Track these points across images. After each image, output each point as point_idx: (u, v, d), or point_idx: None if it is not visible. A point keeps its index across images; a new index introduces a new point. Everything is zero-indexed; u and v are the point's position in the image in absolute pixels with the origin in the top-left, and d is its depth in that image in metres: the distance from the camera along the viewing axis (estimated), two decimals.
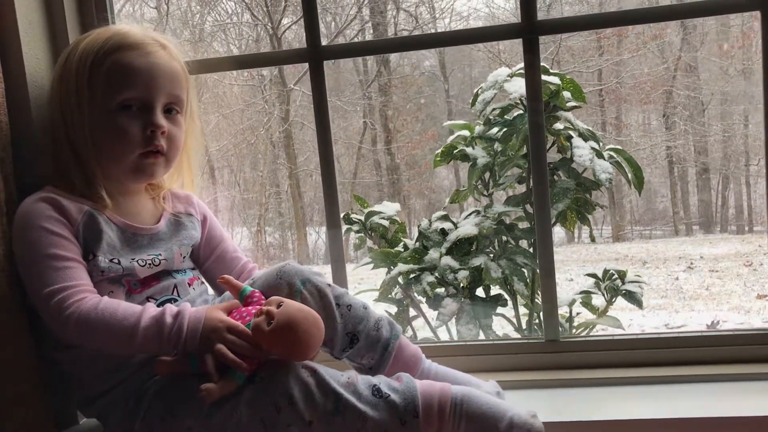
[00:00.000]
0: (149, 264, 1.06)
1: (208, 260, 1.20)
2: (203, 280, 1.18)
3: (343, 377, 0.96)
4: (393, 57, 8.40)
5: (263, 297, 1.02)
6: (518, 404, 0.98)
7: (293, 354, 0.96)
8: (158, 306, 1.03)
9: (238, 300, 1.03)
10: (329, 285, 1.07)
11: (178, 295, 1.09)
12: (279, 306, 0.96)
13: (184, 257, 1.13)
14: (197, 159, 1.20)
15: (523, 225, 1.84)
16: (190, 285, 1.11)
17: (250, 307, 1.00)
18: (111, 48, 1.03)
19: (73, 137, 1.04)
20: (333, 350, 1.08)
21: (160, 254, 1.08)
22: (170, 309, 0.96)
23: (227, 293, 1.09)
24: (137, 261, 1.05)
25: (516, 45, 7.37)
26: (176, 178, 1.19)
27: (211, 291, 1.19)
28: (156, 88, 1.05)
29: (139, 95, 1.04)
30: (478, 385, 1.08)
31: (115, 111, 1.03)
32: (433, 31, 8.08)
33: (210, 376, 0.93)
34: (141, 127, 1.04)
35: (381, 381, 0.97)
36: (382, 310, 1.35)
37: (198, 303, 1.10)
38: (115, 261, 1.03)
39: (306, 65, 1.26)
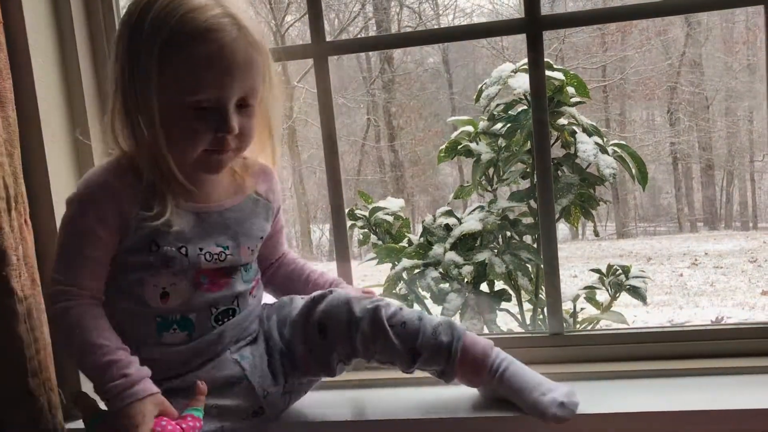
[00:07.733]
0: (216, 259, 1.01)
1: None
2: (261, 283, 1.14)
3: None
4: (396, 54, 8.39)
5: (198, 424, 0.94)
6: None
7: None
8: (216, 318, 1.02)
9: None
10: (379, 307, 1.05)
11: (238, 307, 1.05)
12: None
13: (252, 251, 1.07)
14: (279, 131, 1.11)
15: (527, 220, 1.84)
16: (250, 293, 1.08)
17: (180, 423, 0.91)
18: (184, 32, 0.92)
19: (139, 120, 0.95)
20: (399, 368, 1.07)
21: (227, 247, 1.03)
22: (135, 369, 0.93)
23: (278, 301, 1.13)
24: (204, 255, 1.00)
25: (519, 42, 7.35)
26: (257, 152, 1.10)
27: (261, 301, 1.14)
28: (231, 87, 0.96)
29: (212, 96, 0.96)
30: (549, 389, 1.04)
31: (186, 107, 0.95)
32: (436, 26, 8.08)
33: None
34: (212, 128, 0.96)
35: None
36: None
37: (251, 319, 1.08)
38: (183, 251, 0.99)
39: (309, 62, 1.25)
